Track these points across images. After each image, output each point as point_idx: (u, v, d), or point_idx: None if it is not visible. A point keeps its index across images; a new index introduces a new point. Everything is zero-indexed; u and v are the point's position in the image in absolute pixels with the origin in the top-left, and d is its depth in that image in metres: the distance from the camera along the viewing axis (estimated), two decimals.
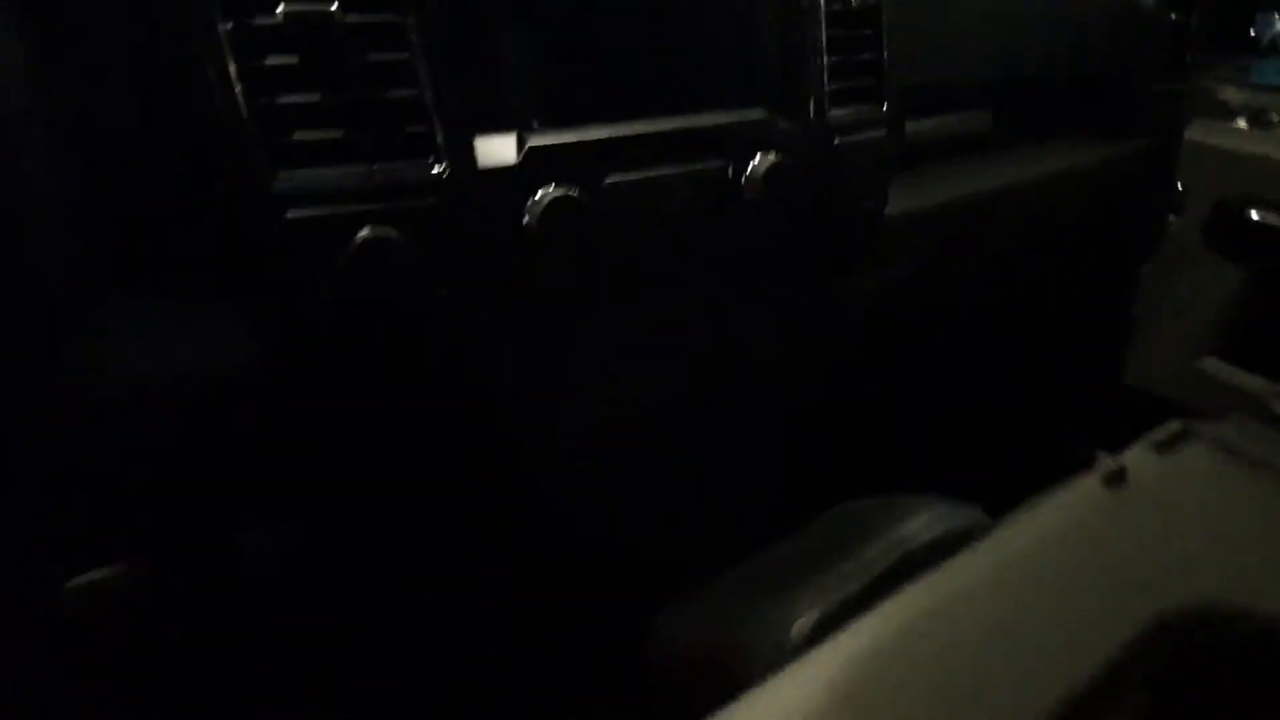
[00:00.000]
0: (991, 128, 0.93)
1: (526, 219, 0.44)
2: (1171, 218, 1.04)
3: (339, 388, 0.47)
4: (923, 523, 0.44)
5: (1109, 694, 0.29)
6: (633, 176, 0.48)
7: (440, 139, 0.41)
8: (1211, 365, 1.03)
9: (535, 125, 0.46)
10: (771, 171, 0.53)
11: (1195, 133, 1.00)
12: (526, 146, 0.44)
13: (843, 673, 0.30)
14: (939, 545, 0.41)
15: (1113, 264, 1.10)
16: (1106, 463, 0.40)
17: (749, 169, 0.53)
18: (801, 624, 0.38)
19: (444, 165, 0.41)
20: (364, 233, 0.39)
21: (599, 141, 0.47)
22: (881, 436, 0.98)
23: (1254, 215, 0.97)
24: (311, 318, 0.42)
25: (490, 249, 0.44)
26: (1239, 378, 1.00)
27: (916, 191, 0.79)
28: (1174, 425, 0.44)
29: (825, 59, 0.55)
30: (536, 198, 0.44)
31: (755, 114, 0.54)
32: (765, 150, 0.53)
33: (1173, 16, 0.93)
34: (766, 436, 0.77)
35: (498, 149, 0.44)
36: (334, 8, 0.37)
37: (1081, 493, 0.39)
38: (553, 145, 0.45)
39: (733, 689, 0.33)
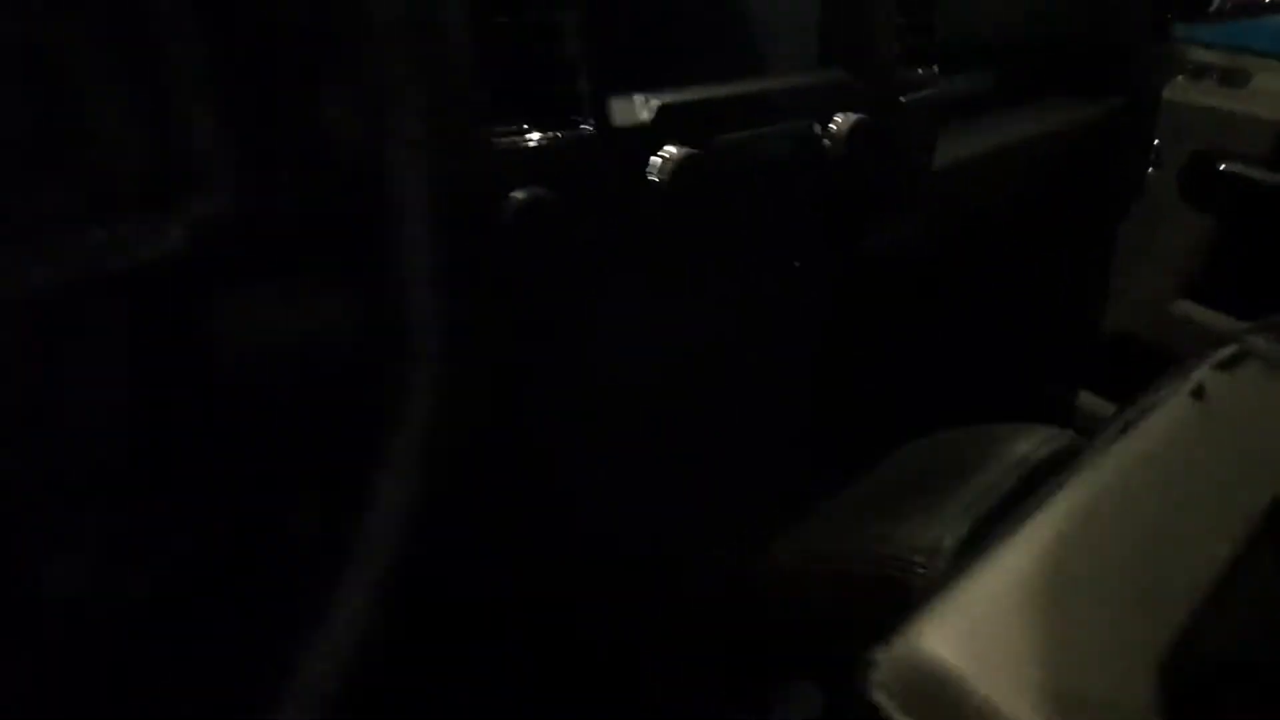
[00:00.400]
0: (993, 88, 0.98)
1: (657, 177, 0.46)
2: (1150, 171, 1.12)
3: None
4: (1033, 444, 0.49)
5: (1251, 563, 0.34)
6: (738, 136, 0.51)
7: (585, 98, 0.43)
8: (1186, 308, 1.13)
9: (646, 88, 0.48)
10: (854, 129, 0.56)
11: (1172, 91, 1.08)
12: (658, 105, 0.46)
13: (1030, 570, 0.34)
14: (1056, 461, 0.46)
15: (1098, 216, 1.18)
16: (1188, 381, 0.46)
17: (832, 128, 0.56)
18: (948, 536, 0.43)
19: (590, 123, 0.43)
20: (522, 193, 0.41)
21: (717, 100, 0.49)
22: (897, 380, 1.04)
23: (1224, 168, 1.06)
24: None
25: (626, 206, 0.46)
26: (1211, 318, 1.10)
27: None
28: (1232, 347, 0.50)
29: (897, 21, 0.59)
30: (665, 155, 0.46)
31: (837, 75, 0.57)
32: (847, 109, 0.56)
33: None
34: (813, 381, 0.81)
35: (622, 108, 0.46)
36: None
37: (1175, 407, 0.45)
38: (680, 103, 0.47)
39: (886, 600, 0.37)
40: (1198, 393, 0.46)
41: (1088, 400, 1.24)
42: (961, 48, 0.91)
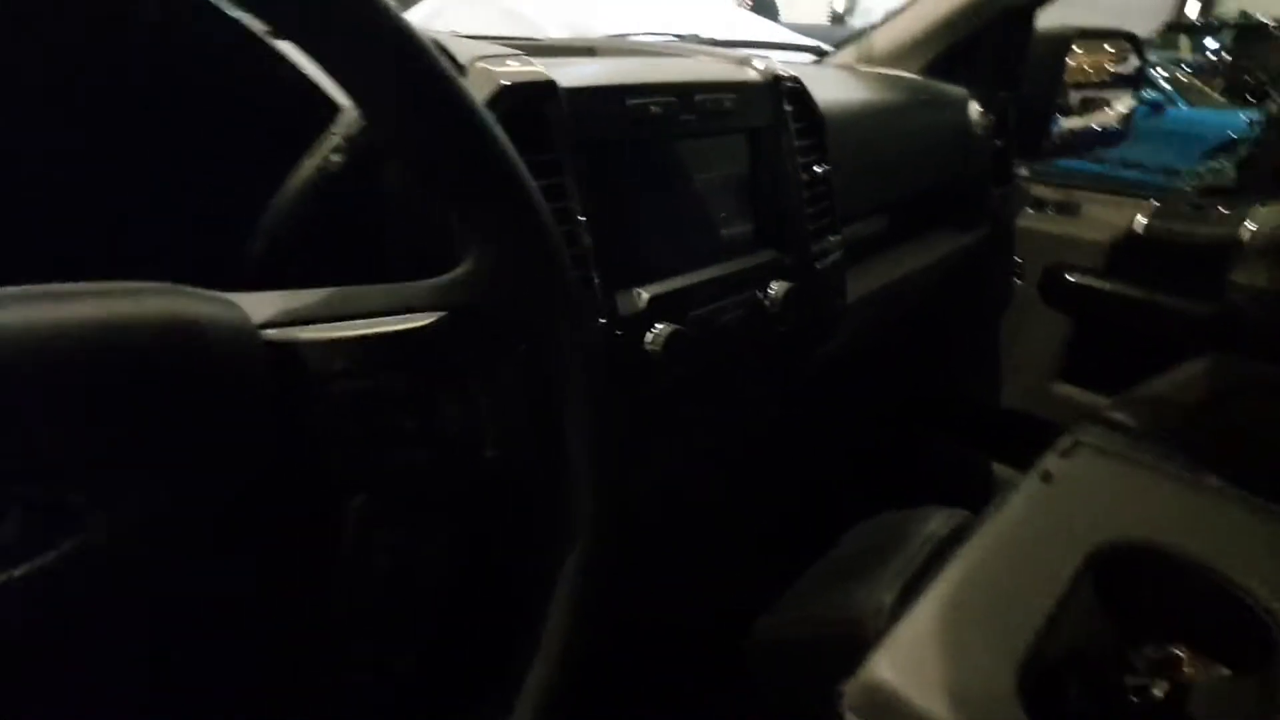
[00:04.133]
0: (887, 228, 1.23)
1: (651, 347, 0.63)
2: (1017, 281, 1.39)
3: None
4: (939, 522, 0.66)
5: (1074, 596, 0.51)
6: (706, 309, 0.69)
7: (599, 292, 0.60)
8: (1059, 388, 1.38)
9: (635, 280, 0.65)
10: (786, 294, 0.76)
11: (1024, 221, 1.36)
12: (648, 296, 0.64)
13: (939, 615, 0.50)
14: (953, 535, 0.63)
15: (980, 319, 1.43)
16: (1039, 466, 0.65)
17: (770, 294, 0.75)
18: (887, 597, 0.58)
19: (605, 317, 0.60)
20: None
21: (690, 286, 0.67)
22: (838, 462, 1.23)
23: (1069, 277, 1.33)
24: None
25: (627, 373, 0.63)
26: (1079, 395, 1.34)
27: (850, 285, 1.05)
28: (1068, 439, 0.69)
29: (807, 211, 0.80)
30: (655, 331, 0.64)
31: (769, 255, 0.77)
32: (779, 279, 0.76)
33: (997, 142, 1.28)
34: (781, 477, 0.98)
35: (623, 300, 0.64)
36: None
37: (1029, 487, 0.63)
38: (665, 293, 0.65)
39: (850, 649, 0.52)
40: (1045, 476, 0.65)
41: (991, 467, 1.46)
42: (859, 203, 1.15)
